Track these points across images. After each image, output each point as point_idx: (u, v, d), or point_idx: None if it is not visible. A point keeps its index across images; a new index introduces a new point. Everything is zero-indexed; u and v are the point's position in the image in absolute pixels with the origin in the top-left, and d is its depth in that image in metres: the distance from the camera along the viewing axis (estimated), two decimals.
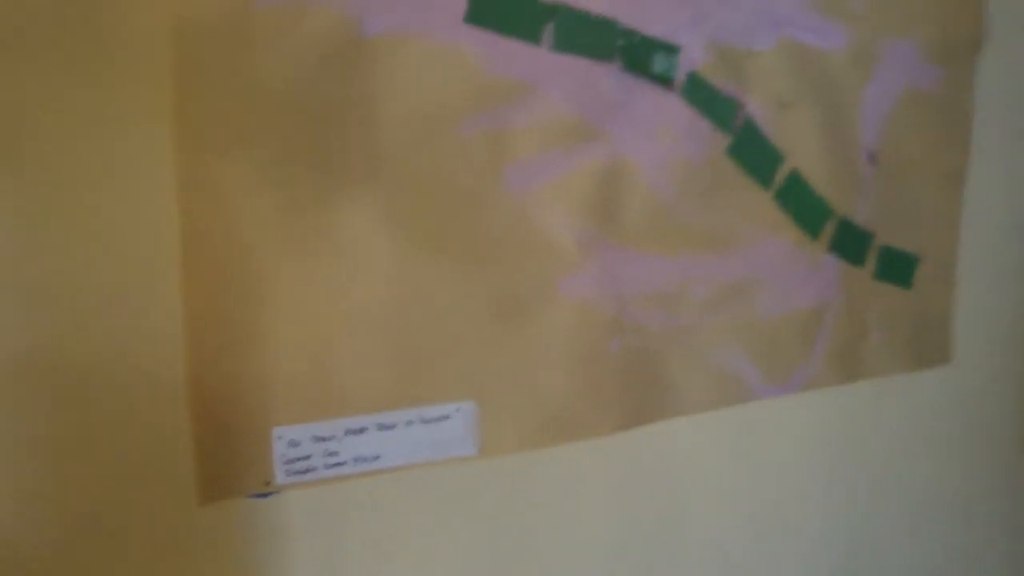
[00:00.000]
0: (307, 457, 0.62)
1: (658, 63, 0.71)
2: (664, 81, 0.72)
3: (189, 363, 0.57)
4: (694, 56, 0.73)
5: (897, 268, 0.90)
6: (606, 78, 0.69)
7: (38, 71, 0.50)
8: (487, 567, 0.71)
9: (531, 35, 0.65)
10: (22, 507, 0.53)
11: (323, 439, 0.62)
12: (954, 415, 1.00)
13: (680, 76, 0.72)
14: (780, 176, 0.80)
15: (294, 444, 0.61)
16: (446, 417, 0.66)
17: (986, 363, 1.00)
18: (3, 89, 0.50)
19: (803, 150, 0.81)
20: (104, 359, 0.55)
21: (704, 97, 0.74)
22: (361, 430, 0.63)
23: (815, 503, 0.91)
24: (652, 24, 0.70)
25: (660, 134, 0.72)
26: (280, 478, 0.61)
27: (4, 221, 0.51)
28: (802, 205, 0.81)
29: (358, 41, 0.59)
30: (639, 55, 0.70)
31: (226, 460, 0.59)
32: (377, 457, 0.64)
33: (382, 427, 0.64)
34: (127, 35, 0.53)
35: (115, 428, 0.55)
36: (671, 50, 0.72)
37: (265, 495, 0.61)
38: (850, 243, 0.85)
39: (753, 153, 0.78)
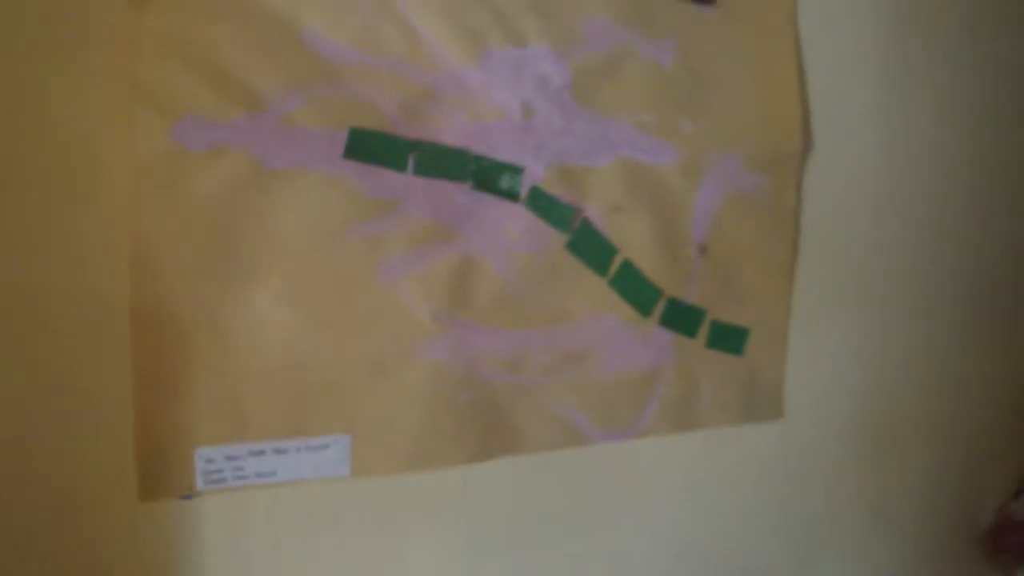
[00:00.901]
0: (220, 471, 0.87)
1: (504, 182, 0.97)
2: (510, 195, 0.97)
3: (136, 402, 0.82)
4: (536, 174, 0.99)
5: (728, 339, 1.14)
6: (460, 194, 0.95)
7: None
8: (355, 556, 0.96)
9: (397, 164, 0.91)
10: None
11: (233, 458, 0.87)
12: (788, 463, 1.23)
13: (524, 190, 0.98)
14: (614, 266, 1.04)
15: (211, 461, 0.86)
16: (326, 446, 0.91)
17: (816, 419, 1.23)
18: None
19: (635, 244, 1.05)
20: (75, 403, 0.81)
21: (544, 205, 0.99)
22: (261, 452, 0.88)
23: (664, 540, 1.15)
24: (499, 152, 0.96)
25: (505, 235, 0.97)
26: (200, 486, 0.86)
27: None
28: (633, 288, 1.06)
29: (263, 173, 0.85)
30: (487, 176, 0.96)
31: (161, 471, 0.85)
32: (273, 473, 0.89)
33: (278, 451, 0.89)
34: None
35: (84, 444, 0.82)
36: (515, 171, 0.97)
37: (189, 497, 0.86)
38: (681, 318, 1.10)
39: (589, 248, 1.03)
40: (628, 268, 1.05)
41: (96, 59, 0.79)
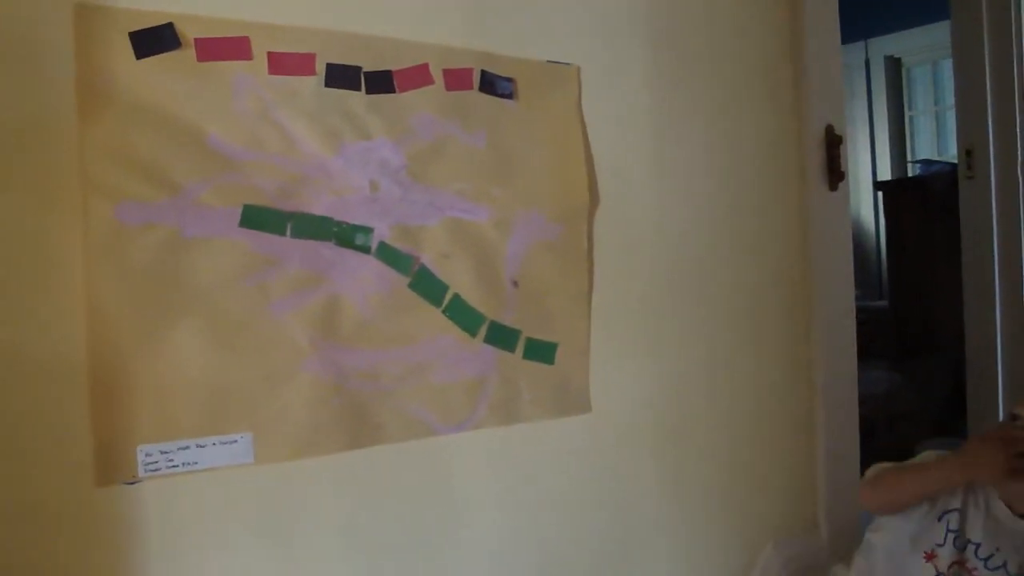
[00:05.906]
0: (156, 462, 1.33)
1: (358, 239, 1.48)
2: (364, 250, 1.49)
3: (92, 414, 1.28)
4: (383, 233, 1.50)
5: (540, 352, 1.67)
6: (326, 250, 1.45)
7: None
8: (257, 520, 1.44)
9: (278, 230, 1.41)
10: None
11: (165, 452, 1.34)
12: (598, 449, 1.76)
13: (374, 245, 1.50)
14: (446, 299, 1.57)
15: (149, 454, 1.33)
16: (236, 441, 1.38)
17: (619, 413, 1.78)
18: None
19: (461, 282, 1.58)
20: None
21: (390, 256, 1.51)
22: (187, 447, 1.35)
23: (495, 514, 1.66)
24: (354, 217, 1.48)
25: (361, 279, 1.48)
26: (140, 473, 1.32)
27: None
28: (462, 315, 1.58)
29: (181, 239, 1.34)
30: (346, 236, 1.47)
31: (111, 462, 1.30)
32: (196, 463, 1.36)
33: (199, 446, 1.36)
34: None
35: (54, 447, 1.27)
36: (367, 231, 1.49)
37: (132, 482, 1.32)
38: (501, 337, 1.62)
39: (426, 286, 1.55)
40: (457, 300, 1.58)
41: (48, 160, 1.27)
